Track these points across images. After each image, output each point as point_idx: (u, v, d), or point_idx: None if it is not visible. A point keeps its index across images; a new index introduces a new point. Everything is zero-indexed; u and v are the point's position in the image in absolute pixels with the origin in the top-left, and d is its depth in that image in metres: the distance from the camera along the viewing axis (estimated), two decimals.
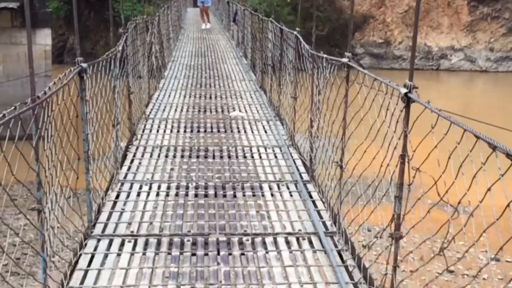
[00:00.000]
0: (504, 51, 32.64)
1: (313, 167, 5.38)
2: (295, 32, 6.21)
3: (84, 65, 4.00)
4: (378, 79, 3.60)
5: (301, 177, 5.47)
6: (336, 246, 4.07)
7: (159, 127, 7.08)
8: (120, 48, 5.35)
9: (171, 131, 6.93)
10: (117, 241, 4.03)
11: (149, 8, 22.45)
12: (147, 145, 6.32)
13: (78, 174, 3.99)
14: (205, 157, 6.11)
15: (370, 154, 3.81)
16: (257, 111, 8.05)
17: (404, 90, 3.10)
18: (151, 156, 6.03)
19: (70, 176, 3.96)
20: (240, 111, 8.04)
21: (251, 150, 6.30)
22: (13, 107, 2.81)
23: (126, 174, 5.42)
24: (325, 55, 4.81)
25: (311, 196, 5.02)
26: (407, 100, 3.10)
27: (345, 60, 4.16)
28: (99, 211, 4.53)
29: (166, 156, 6.06)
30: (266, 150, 6.31)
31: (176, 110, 8.00)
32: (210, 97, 9.00)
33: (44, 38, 21.56)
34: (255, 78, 10.39)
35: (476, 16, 32.01)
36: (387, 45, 33.51)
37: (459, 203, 2.54)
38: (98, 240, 4.03)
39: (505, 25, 32.23)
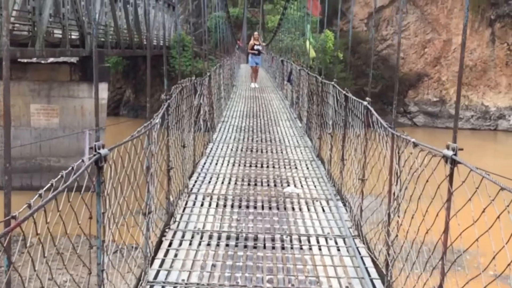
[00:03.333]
0: None
1: (389, 274, 4.12)
2: (365, 103, 5.07)
3: (104, 151, 2.98)
4: (508, 189, 2.40)
5: (374, 286, 4.21)
6: None
7: (202, 205, 6.00)
8: (158, 120, 4.35)
9: (216, 210, 5.83)
10: None
11: (200, 63, 21.96)
12: (187, 230, 5.22)
13: None
14: (254, 247, 4.95)
15: None
16: (315, 186, 6.87)
17: None
18: (190, 244, 4.92)
19: None
20: (295, 185, 6.88)
21: (308, 241, 5.10)
22: None
23: (158, 272, 4.31)
24: (413, 139, 3.63)
25: None
26: None
27: (449, 152, 2.97)
28: None
29: (208, 245, 4.94)
30: (327, 242, 5.09)
31: (223, 182, 6.92)
32: (262, 166, 7.90)
33: (101, 92, 21.35)
34: (311, 144, 9.26)
35: None
36: (442, 103, 31.96)
37: None
38: None
39: None
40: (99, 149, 2.96)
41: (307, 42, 14.47)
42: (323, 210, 5.97)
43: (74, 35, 21.60)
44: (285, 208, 6.02)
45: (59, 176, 2.60)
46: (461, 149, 2.98)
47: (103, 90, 21.25)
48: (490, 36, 30.45)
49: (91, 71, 21.16)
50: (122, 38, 25.58)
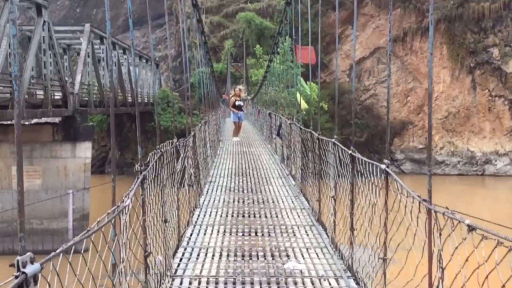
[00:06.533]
0: None
1: None
2: (383, 166, 4.10)
3: (33, 268, 1.93)
4: None
5: None
6: None
7: None
8: (129, 201, 3.31)
9: None
10: None
11: (185, 119, 21.12)
12: None
13: None
14: None
15: None
16: (319, 259, 5.79)
17: None
18: None
19: None
20: (296, 258, 5.80)
21: None
22: None
23: None
24: (467, 221, 2.63)
25: None
26: None
27: None
28: None
29: None
30: None
31: (213, 258, 5.82)
32: (256, 234, 6.82)
33: (84, 151, 20.37)
34: (308, 206, 8.22)
35: None
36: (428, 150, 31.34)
37: None
38: None
39: None
40: (24, 266, 1.91)
41: (298, 94, 13.67)
42: None
43: (57, 95, 20.81)
44: None
45: None
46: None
47: (87, 149, 20.24)
48: (471, 83, 30.24)
49: (75, 130, 20.29)
50: (106, 97, 24.80)
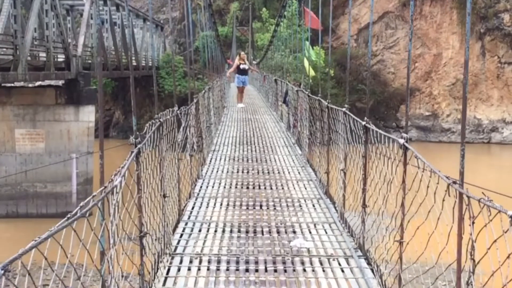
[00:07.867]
0: None
1: None
2: (401, 141, 3.68)
3: None
4: None
5: None
6: None
7: (189, 269, 4.55)
8: (120, 180, 2.92)
9: (207, 279, 4.36)
10: None
11: (185, 82, 20.46)
12: None
13: None
14: None
15: None
16: (327, 235, 5.43)
17: None
18: None
19: None
20: (303, 235, 5.46)
21: None
22: None
23: None
24: (510, 212, 2.24)
25: None
26: None
27: None
28: None
29: None
30: None
31: (215, 233, 5.48)
32: (261, 207, 6.47)
33: (88, 115, 20.02)
34: (315, 177, 7.83)
35: None
36: (434, 117, 30.79)
37: None
38: None
39: None
40: None
41: (305, 60, 13.12)
42: (343, 274, 4.53)
43: (60, 57, 20.31)
44: (294, 270, 4.58)
45: None
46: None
47: (90, 113, 19.87)
48: (480, 49, 29.42)
49: (78, 94, 19.84)
50: (109, 60, 24.22)
